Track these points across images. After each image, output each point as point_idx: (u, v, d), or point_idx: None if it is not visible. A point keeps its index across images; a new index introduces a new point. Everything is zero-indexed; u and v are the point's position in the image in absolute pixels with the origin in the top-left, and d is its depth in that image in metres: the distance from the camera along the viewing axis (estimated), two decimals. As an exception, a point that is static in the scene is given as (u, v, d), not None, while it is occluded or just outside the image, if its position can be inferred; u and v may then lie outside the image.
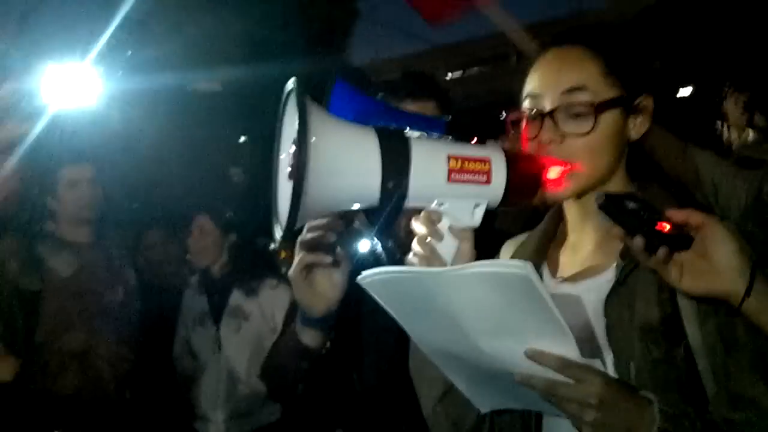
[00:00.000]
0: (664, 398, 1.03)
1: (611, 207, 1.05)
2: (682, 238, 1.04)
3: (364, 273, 1.05)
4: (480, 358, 1.06)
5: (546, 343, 0.99)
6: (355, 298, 1.48)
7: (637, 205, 1.05)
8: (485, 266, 0.96)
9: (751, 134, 2.60)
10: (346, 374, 1.57)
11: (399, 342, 1.30)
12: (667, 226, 1.03)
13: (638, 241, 1.03)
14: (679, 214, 1.05)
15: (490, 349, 1.03)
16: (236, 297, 3.05)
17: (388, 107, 1.54)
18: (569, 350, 0.99)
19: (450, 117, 1.66)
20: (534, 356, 0.99)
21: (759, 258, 1.04)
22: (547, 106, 1.19)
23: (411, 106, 1.60)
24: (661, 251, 1.02)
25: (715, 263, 1.03)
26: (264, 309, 2.99)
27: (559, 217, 1.34)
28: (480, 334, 1.02)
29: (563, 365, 0.98)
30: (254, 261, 3.14)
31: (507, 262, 0.95)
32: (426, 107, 1.63)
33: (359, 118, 1.17)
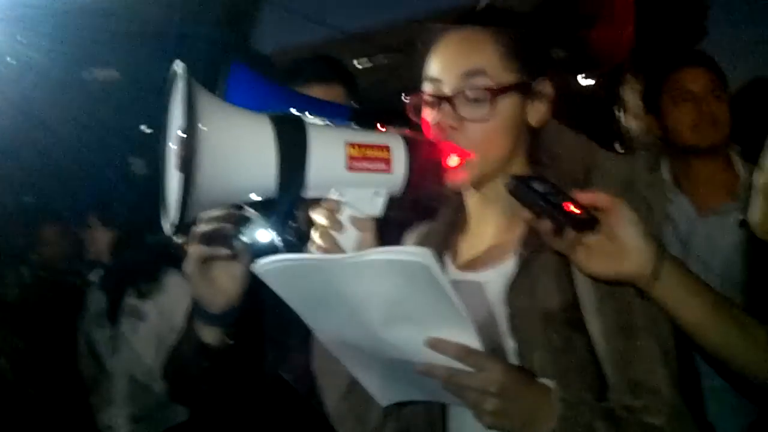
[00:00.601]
0: (565, 386, 1.03)
1: (520, 190, 1.05)
2: (589, 221, 1.04)
3: (259, 261, 1.00)
4: (381, 348, 1.03)
5: (446, 332, 0.97)
6: (260, 291, 1.43)
7: (545, 187, 1.05)
8: (385, 253, 0.93)
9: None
10: (254, 370, 1.52)
11: (305, 337, 1.26)
12: (575, 209, 1.03)
13: (546, 224, 1.03)
14: (586, 197, 1.05)
15: (391, 338, 1.01)
16: (131, 296, 2.92)
17: (289, 93, 1.49)
18: (470, 339, 0.98)
19: (355, 104, 1.62)
20: (434, 345, 0.97)
21: None
22: (447, 90, 1.17)
23: (317, 90, 1.55)
24: (569, 234, 1.02)
25: (622, 245, 1.04)
26: (162, 307, 2.86)
27: (461, 206, 1.32)
28: (380, 323, 1.00)
29: (464, 353, 0.97)
30: (149, 257, 3.00)
31: (407, 249, 0.92)
32: (333, 91, 1.58)
33: (258, 104, 1.12)
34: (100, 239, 2.97)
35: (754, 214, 0.39)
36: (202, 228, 1.21)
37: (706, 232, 2.10)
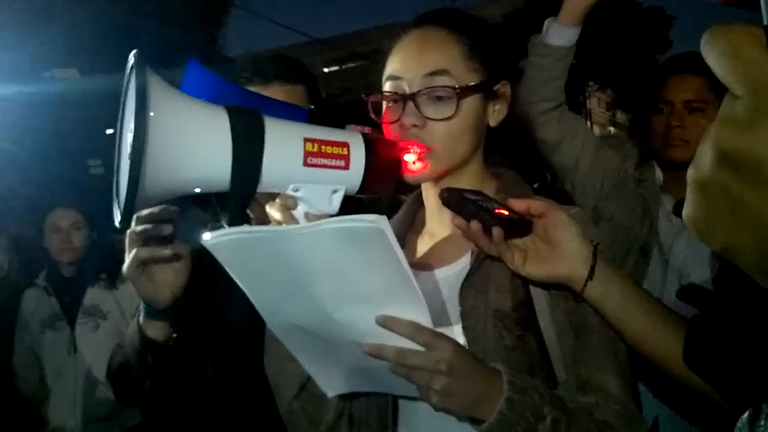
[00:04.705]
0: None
1: (453, 199, 1.07)
2: (521, 223, 1.07)
3: (210, 234, 0.97)
4: (330, 330, 1.02)
5: (398, 309, 0.97)
6: (212, 290, 1.40)
7: (478, 197, 1.07)
8: (338, 222, 0.91)
9: (612, 131, 2.64)
10: (199, 368, 1.49)
11: (257, 337, 1.24)
12: (506, 212, 1.06)
13: (475, 225, 1.04)
14: (519, 203, 1.08)
15: (341, 317, 0.99)
16: (92, 295, 2.87)
17: (247, 92, 1.47)
18: (421, 317, 0.97)
19: (313, 107, 1.60)
20: (386, 323, 0.97)
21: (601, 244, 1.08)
22: (409, 88, 1.15)
23: (279, 90, 1.53)
24: (496, 231, 1.04)
25: (557, 248, 1.06)
26: (123, 305, 2.83)
27: (418, 205, 1.32)
28: (332, 301, 0.98)
29: (415, 330, 0.96)
30: (110, 257, 2.91)
31: (362, 216, 0.90)
32: (294, 91, 1.56)
33: (215, 102, 1.10)
34: (66, 238, 2.90)
35: (687, 210, 0.39)
36: (137, 228, 1.18)
37: (687, 239, 1.98)
